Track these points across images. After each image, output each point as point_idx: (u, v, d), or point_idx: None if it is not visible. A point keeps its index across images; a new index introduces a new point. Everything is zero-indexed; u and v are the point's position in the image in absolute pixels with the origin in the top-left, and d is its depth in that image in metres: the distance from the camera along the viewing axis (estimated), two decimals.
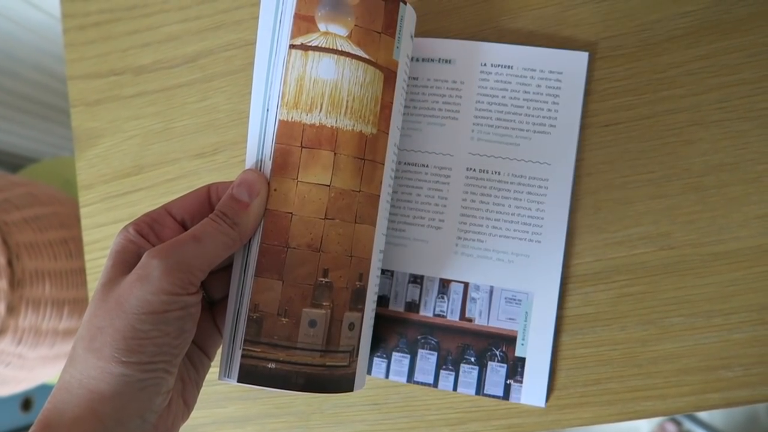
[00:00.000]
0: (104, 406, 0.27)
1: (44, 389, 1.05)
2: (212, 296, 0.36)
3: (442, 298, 0.40)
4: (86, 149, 0.48)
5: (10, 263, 0.68)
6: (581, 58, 0.40)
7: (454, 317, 0.40)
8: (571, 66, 0.40)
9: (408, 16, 0.36)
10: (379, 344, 0.41)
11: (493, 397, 0.39)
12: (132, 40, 0.48)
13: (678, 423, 1.24)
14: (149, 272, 0.28)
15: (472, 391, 0.40)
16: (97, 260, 0.48)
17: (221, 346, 0.33)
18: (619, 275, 0.39)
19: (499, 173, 0.40)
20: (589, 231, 0.40)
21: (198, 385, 0.33)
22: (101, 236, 0.48)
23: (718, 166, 0.39)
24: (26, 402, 1.03)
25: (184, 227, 0.32)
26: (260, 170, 0.33)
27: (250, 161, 0.34)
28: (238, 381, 0.32)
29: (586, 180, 0.40)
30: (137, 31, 0.48)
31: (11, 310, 0.68)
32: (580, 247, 0.40)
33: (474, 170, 0.41)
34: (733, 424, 1.21)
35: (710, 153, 0.39)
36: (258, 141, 0.33)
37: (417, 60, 0.42)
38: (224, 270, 0.35)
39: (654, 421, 1.25)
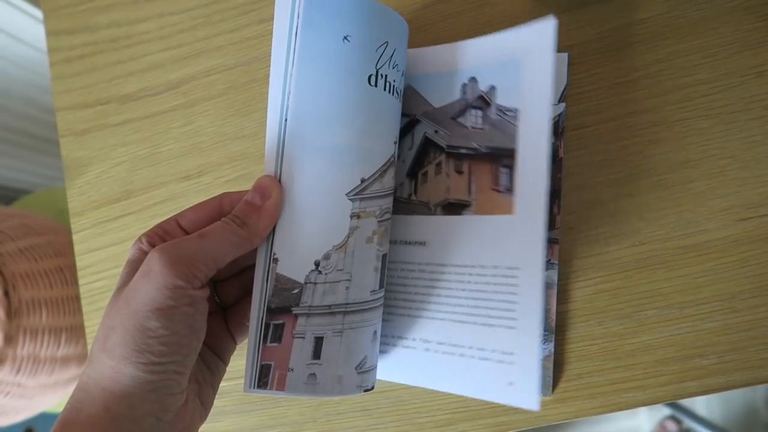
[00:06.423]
0: (117, 406, 0.27)
1: (45, 418, 1.05)
2: (225, 301, 0.36)
3: None
4: (76, 177, 0.50)
5: (6, 293, 0.69)
6: (561, 59, 0.42)
7: None
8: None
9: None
10: None
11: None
12: (116, 70, 0.50)
13: (678, 421, 1.24)
14: (152, 267, 0.28)
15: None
16: (91, 284, 0.49)
17: (246, 358, 0.33)
18: (594, 272, 0.41)
19: None
20: (563, 232, 0.41)
21: (214, 388, 0.34)
22: (94, 261, 0.49)
23: (682, 163, 0.41)
24: None
25: None
26: (279, 179, 0.34)
27: (268, 170, 0.34)
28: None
29: None
30: (121, 61, 0.50)
31: (9, 339, 0.69)
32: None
33: None
34: (733, 420, 1.21)
35: (674, 151, 0.41)
36: (276, 151, 0.34)
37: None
38: (237, 275, 0.36)
39: (654, 420, 1.26)
